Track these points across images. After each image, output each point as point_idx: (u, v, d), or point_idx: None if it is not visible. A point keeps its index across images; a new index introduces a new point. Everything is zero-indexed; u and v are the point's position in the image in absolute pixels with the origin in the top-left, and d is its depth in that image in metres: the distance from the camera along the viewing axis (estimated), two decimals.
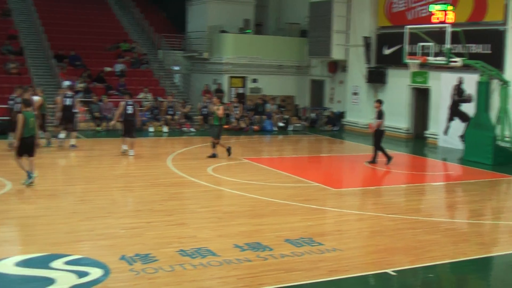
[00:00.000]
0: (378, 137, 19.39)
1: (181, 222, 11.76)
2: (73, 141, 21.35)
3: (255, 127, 29.58)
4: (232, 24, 34.80)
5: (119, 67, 32.50)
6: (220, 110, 19.72)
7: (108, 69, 32.28)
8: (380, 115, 19.35)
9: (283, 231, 11.13)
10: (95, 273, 8.64)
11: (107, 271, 8.70)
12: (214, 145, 19.83)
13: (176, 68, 35.96)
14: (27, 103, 15.12)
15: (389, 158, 19.30)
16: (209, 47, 34.41)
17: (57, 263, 9.01)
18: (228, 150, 20.03)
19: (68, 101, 21.74)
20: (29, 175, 14.58)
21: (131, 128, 20.39)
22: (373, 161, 19.40)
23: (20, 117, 14.44)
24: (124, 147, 20.43)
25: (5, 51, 31.77)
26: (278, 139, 27.76)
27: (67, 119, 21.67)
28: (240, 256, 9.54)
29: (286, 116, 31.21)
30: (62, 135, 21.69)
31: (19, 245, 10.27)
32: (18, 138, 14.29)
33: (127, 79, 31.72)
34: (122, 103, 20.67)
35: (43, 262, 9.07)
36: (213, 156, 19.70)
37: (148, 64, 34.19)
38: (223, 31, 34.15)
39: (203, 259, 9.34)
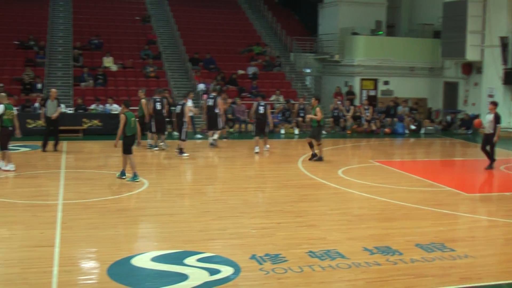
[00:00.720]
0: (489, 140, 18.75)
1: (311, 224, 11.85)
2: (213, 138, 22.52)
3: (386, 130, 29.25)
4: (364, 25, 34.56)
5: (251, 69, 33.10)
6: (317, 112, 19.46)
7: (241, 72, 32.96)
8: (497, 118, 18.63)
9: (414, 236, 10.98)
10: (226, 271, 8.85)
11: (237, 270, 8.91)
12: (311, 145, 19.69)
13: (308, 70, 36.16)
14: (127, 104, 16.13)
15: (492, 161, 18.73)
16: (341, 49, 34.35)
17: (190, 260, 9.28)
18: (314, 156, 19.63)
19: (210, 102, 22.68)
20: (123, 172, 15.71)
21: (262, 127, 21.07)
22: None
23: (122, 117, 15.44)
24: (257, 148, 20.91)
25: (144, 56, 33.20)
26: (409, 142, 27.31)
27: (211, 120, 22.75)
28: (369, 260, 9.52)
29: (418, 119, 30.62)
30: (215, 135, 22.81)
31: (154, 241, 10.67)
32: (118, 137, 15.46)
33: (259, 81, 32.27)
34: (255, 104, 21.44)
35: (177, 258, 9.38)
36: (314, 156, 19.61)
37: (280, 67, 34.59)
38: (355, 33, 33.98)
39: (332, 261, 9.39)
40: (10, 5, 37.15)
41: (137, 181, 15.33)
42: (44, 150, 20.28)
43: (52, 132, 20.47)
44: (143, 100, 21.75)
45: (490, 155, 18.79)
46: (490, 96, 29.25)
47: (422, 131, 29.70)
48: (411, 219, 12.44)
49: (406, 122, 29.69)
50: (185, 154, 20.00)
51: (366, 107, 30.13)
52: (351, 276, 8.84)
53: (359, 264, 9.30)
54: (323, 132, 19.96)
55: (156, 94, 22.27)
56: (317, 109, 19.38)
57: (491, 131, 18.63)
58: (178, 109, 20.79)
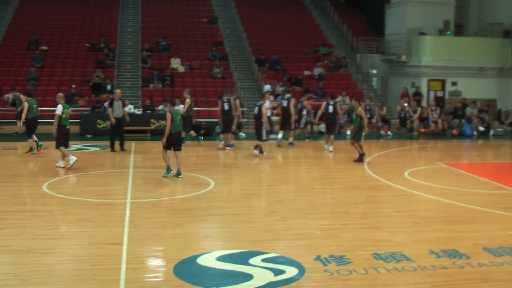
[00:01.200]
0: None
1: (376, 226, 11.77)
2: (290, 139, 23.17)
3: (454, 131, 28.76)
4: (431, 25, 34.12)
5: (317, 70, 33.05)
6: (359, 112, 19.28)
7: (307, 72, 32.95)
8: None
9: (482, 239, 10.77)
10: (290, 271, 8.86)
11: (302, 270, 8.91)
12: (360, 147, 19.60)
13: (374, 71, 35.90)
14: (173, 102, 16.95)
15: None
16: (408, 49, 33.98)
17: (255, 260, 9.32)
18: (361, 156, 19.45)
19: (284, 103, 22.99)
20: (168, 169, 16.17)
21: (332, 126, 21.43)
22: None
23: (168, 115, 15.96)
24: (327, 146, 21.17)
25: (211, 57, 33.54)
26: (477, 143, 26.76)
27: (285, 120, 23.20)
28: (435, 263, 9.39)
29: (488, 120, 29.99)
30: (280, 135, 23.24)
31: (220, 241, 10.74)
32: (166, 134, 15.95)
33: (325, 82, 32.20)
34: (324, 103, 21.67)
35: (242, 258, 9.43)
36: (361, 156, 19.49)
37: (346, 68, 34.42)
38: (422, 33, 33.55)
39: (397, 263, 9.31)
40: (82, 9, 38.14)
41: (180, 177, 15.98)
42: (112, 150, 20.73)
43: (117, 132, 20.92)
44: (187, 100, 22.38)
45: None
46: None
47: (491, 132, 29.09)
48: (479, 222, 12.21)
49: (474, 123, 29.13)
50: (264, 153, 20.54)
51: (433, 108, 29.69)
52: (417, 279, 8.74)
53: (425, 267, 9.19)
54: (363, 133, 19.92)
55: (224, 94, 22.60)
56: (359, 109, 19.37)
57: None
58: (255, 110, 21.13)
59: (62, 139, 17.30)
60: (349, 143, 20.11)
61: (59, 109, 17.09)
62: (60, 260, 9.15)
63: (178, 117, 16.25)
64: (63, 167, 17.15)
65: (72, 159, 17.05)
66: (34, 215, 11.97)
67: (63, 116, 17.21)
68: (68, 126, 17.55)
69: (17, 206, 12.70)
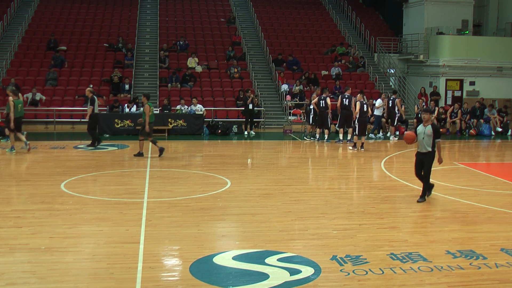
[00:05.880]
0: None
1: (392, 226, 11.74)
2: (349, 137, 23.89)
3: (472, 131, 28.61)
4: (450, 25, 34.00)
5: (335, 70, 33.01)
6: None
7: (324, 72, 32.91)
8: None
9: (499, 240, 10.71)
10: (306, 271, 8.85)
11: (318, 270, 8.90)
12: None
13: (391, 71, 35.81)
14: (148, 96, 19.65)
15: None
16: (425, 49, 33.85)
17: (271, 260, 9.32)
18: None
19: (345, 101, 23.46)
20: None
21: (365, 126, 22.38)
22: None
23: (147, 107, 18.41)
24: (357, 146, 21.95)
25: (228, 57, 33.61)
26: (496, 144, 26.60)
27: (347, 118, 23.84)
28: (452, 263, 9.36)
29: (506, 121, 29.80)
30: (340, 135, 24.29)
31: (236, 240, 10.73)
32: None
33: (342, 82, 32.14)
34: (358, 103, 22.30)
35: (259, 257, 9.44)
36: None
37: (363, 68, 34.35)
38: (440, 33, 33.41)
39: (413, 264, 9.28)
40: (101, 10, 38.39)
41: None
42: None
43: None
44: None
45: None
46: None
47: (509, 132, 28.91)
48: (496, 223, 12.14)
49: (492, 123, 28.95)
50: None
51: (455, 109, 29.43)
52: (433, 280, 8.71)
53: (441, 267, 9.16)
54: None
55: (345, 91, 24.14)
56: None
57: None
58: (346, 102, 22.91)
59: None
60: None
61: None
62: (78, 259, 9.22)
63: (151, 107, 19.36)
64: None
65: None
66: (52, 214, 12.06)
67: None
68: None
69: (35, 205, 12.80)
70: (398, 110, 26.34)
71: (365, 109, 22.08)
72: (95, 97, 21.57)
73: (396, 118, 26.37)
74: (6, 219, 11.49)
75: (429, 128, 13.59)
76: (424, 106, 29.16)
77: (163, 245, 10.05)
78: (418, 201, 13.68)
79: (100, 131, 25.65)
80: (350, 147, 22.26)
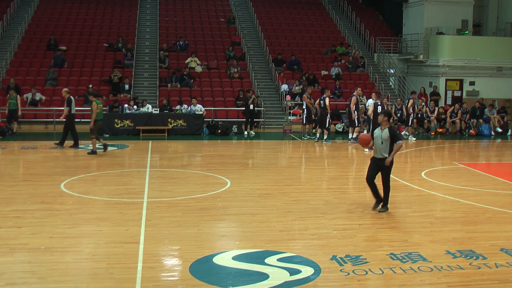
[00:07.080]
0: None
1: (392, 226, 11.74)
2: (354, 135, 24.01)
3: (472, 131, 28.62)
4: (450, 25, 34.02)
5: (334, 70, 33.01)
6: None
7: (324, 72, 32.91)
8: None
9: (499, 240, 10.71)
10: (306, 271, 8.85)
11: (318, 270, 8.90)
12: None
13: (391, 71, 35.83)
14: (95, 94, 20.13)
15: None
16: (425, 49, 33.86)
17: (271, 260, 9.32)
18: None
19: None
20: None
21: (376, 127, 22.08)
22: None
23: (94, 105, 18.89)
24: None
25: (228, 57, 33.61)
26: (495, 144, 26.61)
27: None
28: (452, 263, 9.36)
29: (506, 121, 29.80)
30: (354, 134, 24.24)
31: (236, 240, 10.72)
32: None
33: (342, 82, 32.15)
34: (372, 104, 22.71)
35: (258, 257, 9.44)
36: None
37: (363, 68, 34.36)
38: (440, 33, 33.42)
39: (413, 263, 9.28)
40: (101, 10, 38.39)
41: None
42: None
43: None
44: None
45: None
46: None
47: (509, 133, 28.91)
48: (496, 223, 12.14)
49: (492, 123, 28.96)
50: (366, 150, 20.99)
51: (456, 110, 29.46)
52: (433, 280, 8.71)
53: (441, 267, 9.16)
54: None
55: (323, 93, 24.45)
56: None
57: None
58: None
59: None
60: None
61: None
62: (77, 259, 9.22)
63: (100, 105, 20.09)
64: None
65: None
66: (51, 214, 12.06)
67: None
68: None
69: (35, 204, 12.80)
70: (413, 110, 26.56)
71: (378, 110, 21.99)
72: (72, 98, 21.61)
73: (411, 119, 26.58)
74: (6, 219, 11.49)
75: (386, 132, 12.43)
76: (424, 106, 29.23)
77: (163, 245, 10.04)
78: (380, 211, 12.68)
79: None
80: (366, 150, 21.97)
